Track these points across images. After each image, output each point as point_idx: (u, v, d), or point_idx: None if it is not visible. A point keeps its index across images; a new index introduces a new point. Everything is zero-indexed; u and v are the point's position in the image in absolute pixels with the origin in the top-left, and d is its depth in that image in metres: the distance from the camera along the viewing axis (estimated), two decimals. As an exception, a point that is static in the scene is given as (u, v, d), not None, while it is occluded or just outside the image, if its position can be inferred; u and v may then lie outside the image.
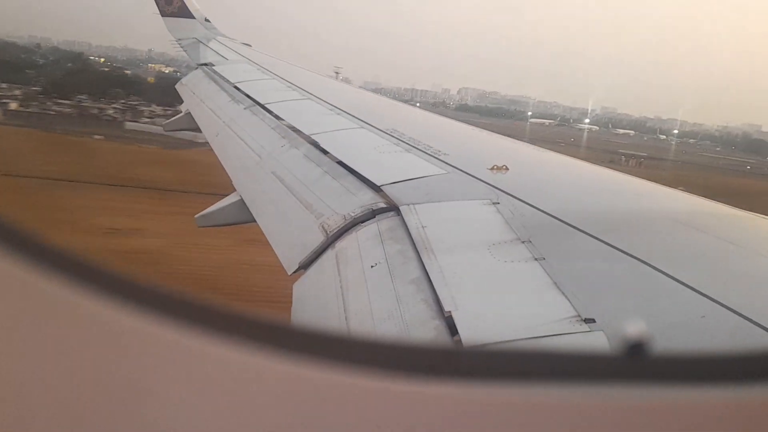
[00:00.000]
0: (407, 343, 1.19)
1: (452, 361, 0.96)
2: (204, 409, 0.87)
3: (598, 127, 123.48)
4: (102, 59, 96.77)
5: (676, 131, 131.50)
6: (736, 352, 0.98)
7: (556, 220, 3.89)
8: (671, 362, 0.96)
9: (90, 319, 0.91)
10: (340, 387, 0.87)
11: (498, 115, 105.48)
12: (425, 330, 2.87)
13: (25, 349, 0.90)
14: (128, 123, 52.66)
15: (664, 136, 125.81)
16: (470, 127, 8.69)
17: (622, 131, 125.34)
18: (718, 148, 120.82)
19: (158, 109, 57.66)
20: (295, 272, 4.18)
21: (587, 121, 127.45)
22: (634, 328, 0.91)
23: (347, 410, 0.87)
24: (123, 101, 59.39)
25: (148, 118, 55.51)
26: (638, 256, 3.29)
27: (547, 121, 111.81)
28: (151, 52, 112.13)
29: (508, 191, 4.44)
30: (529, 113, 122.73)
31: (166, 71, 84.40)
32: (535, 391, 0.87)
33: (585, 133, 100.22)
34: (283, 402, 0.87)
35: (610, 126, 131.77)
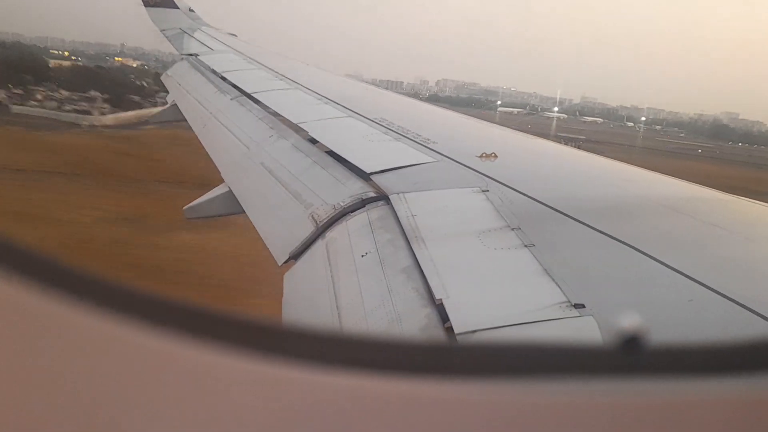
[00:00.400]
0: (398, 340, 1.21)
1: (445, 358, 0.94)
2: (191, 418, 0.83)
3: (566, 116, 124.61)
4: (66, 53, 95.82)
5: (643, 118, 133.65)
6: (732, 343, 0.95)
7: (546, 207, 3.91)
8: (668, 355, 0.93)
9: (65, 324, 0.85)
10: (334, 389, 0.84)
11: (468, 105, 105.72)
12: (416, 318, 2.88)
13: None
14: (15, 107, 52.30)
15: (632, 123, 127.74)
16: (459, 115, 8.66)
17: (590, 119, 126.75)
18: (682, 134, 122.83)
19: (65, 95, 57.98)
20: (285, 263, 4.17)
21: (556, 109, 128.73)
22: (630, 321, 0.88)
23: (343, 413, 0.84)
24: (30, 87, 58.68)
25: (36, 101, 55.23)
26: (627, 242, 3.33)
27: (515, 110, 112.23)
28: (123, 46, 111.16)
29: (498, 179, 4.46)
30: (499, 103, 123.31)
31: (134, 65, 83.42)
32: (529, 388, 0.85)
33: (552, 122, 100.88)
34: (275, 407, 0.84)
35: (578, 114, 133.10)
